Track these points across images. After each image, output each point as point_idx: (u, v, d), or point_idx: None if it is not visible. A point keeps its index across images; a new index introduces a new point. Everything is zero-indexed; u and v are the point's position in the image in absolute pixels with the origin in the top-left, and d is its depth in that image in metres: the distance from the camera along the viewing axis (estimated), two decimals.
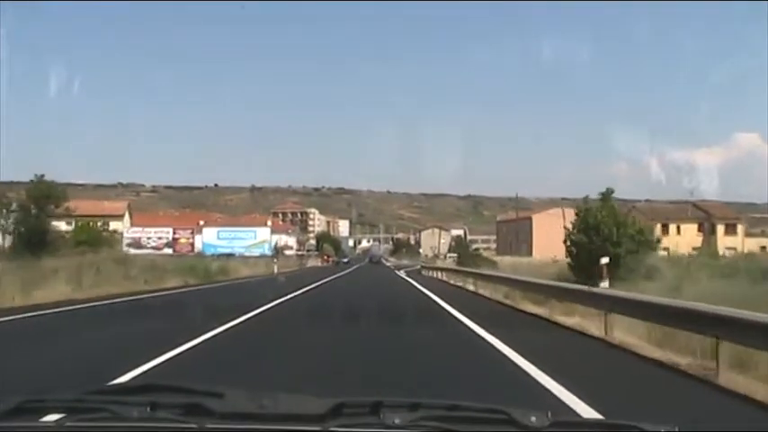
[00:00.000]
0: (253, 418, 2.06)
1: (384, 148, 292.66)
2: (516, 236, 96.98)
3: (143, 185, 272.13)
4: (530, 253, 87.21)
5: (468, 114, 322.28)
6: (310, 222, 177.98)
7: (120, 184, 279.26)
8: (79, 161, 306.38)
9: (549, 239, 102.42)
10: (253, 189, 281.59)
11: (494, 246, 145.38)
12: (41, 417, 2.19)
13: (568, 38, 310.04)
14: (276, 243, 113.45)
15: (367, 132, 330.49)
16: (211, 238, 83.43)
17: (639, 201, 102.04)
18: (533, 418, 2.06)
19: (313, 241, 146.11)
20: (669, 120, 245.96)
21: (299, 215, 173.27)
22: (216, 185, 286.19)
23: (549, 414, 2.09)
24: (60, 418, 2.10)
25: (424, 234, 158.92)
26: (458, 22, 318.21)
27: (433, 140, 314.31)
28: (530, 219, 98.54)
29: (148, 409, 2.09)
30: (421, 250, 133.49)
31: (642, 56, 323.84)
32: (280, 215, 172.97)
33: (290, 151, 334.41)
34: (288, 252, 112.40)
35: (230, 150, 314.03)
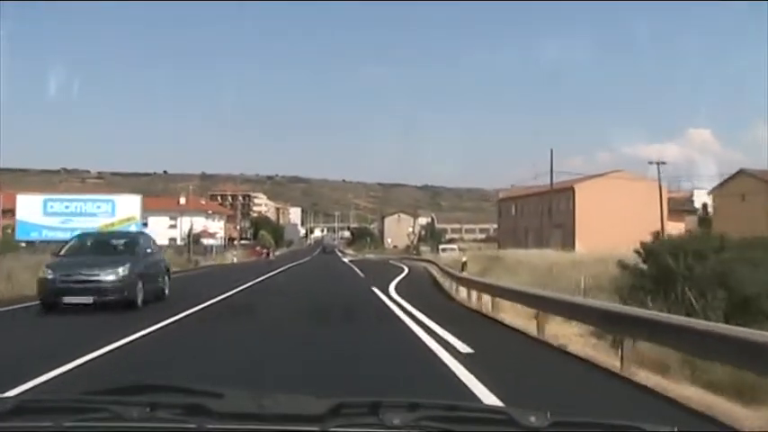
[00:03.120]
0: (252, 419, 1.89)
1: (340, 137, 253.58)
2: (546, 217, 47.08)
3: (88, 171, 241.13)
4: (570, 244, 51.57)
5: (426, 105, 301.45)
6: (255, 208, 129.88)
7: (64, 169, 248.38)
8: (24, 147, 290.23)
9: (608, 223, 49.03)
10: (203, 176, 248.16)
11: (468, 236, 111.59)
12: (40, 417, 1.95)
13: (540, 33, 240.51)
14: (191, 228, 76.08)
15: (323, 121, 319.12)
16: (32, 214, 33.97)
17: None
18: (532, 418, 1.88)
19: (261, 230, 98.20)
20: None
21: (240, 198, 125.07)
22: (165, 172, 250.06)
23: (549, 414, 1.90)
24: (59, 419, 1.90)
25: (388, 221, 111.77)
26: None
27: (391, 130, 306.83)
28: (571, 189, 48.61)
29: (148, 409, 1.92)
30: (389, 240, 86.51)
31: (636, 55, 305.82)
32: (219, 198, 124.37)
33: (244, 139, 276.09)
34: (209, 241, 79.28)
35: (181, 137, 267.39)
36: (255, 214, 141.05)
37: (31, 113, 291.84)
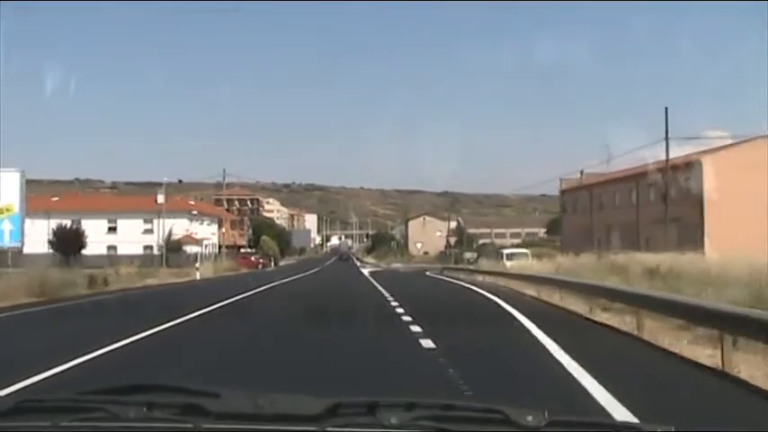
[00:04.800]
0: (249, 419, 1.83)
1: (357, 144, 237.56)
2: (649, 209, 21.13)
3: (102, 181, 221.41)
4: (693, 245, 30.80)
5: (444, 111, 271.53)
6: (267, 214, 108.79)
7: (77, 179, 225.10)
8: (38, 157, 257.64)
9: (751, 213, 14.84)
10: (218, 185, 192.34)
11: (499, 240, 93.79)
12: (38, 417, 1.89)
13: (543, 35, 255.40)
14: (170, 232, 59.31)
15: (339, 129, 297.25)
16: None
17: None
18: (530, 418, 1.82)
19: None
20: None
21: (248, 203, 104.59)
22: (180, 181, 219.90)
23: (546, 413, 1.82)
24: (57, 419, 1.84)
25: (412, 224, 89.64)
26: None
27: (408, 137, 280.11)
28: (696, 165, 22.27)
29: (145, 409, 1.87)
30: (419, 245, 65.25)
31: (636, 55, 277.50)
32: (225, 203, 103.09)
33: (260, 148, 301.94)
34: (192, 249, 58.82)
35: (196, 147, 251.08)
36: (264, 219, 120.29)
37: (44, 123, 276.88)
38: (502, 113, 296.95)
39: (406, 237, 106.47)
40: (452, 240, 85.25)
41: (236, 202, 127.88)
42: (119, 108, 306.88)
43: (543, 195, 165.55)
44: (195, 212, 67.66)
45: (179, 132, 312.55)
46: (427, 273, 46.46)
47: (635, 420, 1.84)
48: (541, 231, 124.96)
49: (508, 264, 37.90)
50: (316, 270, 54.51)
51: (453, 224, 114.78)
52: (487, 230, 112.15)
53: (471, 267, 42.77)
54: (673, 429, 1.85)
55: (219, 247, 75.08)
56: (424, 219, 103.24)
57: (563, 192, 61.54)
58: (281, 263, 79.86)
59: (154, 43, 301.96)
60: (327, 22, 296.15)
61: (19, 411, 1.89)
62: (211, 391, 1.95)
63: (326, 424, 1.75)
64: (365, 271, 53.21)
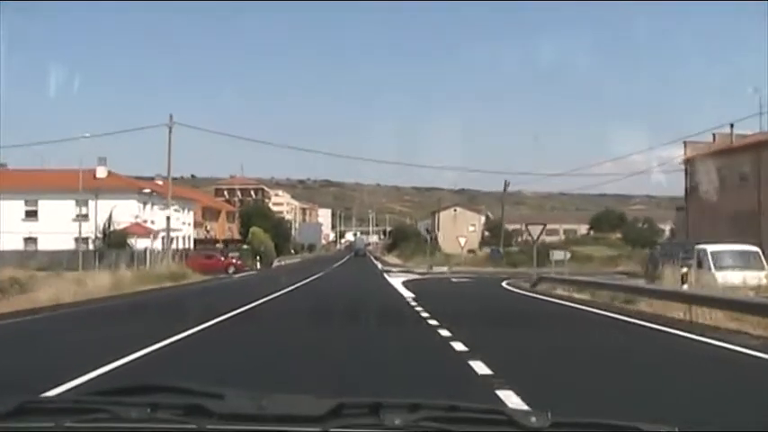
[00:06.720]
0: (252, 419, 1.81)
1: (373, 141, 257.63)
2: None
3: None
4: None
5: (462, 109, 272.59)
6: (275, 207, 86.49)
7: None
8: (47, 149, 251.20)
9: None
10: (230, 180, 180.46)
11: (535, 236, 58.41)
12: (41, 418, 1.87)
13: (564, 34, 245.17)
14: (110, 218, 42.66)
15: (356, 125, 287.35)
16: None
17: None
18: (533, 419, 1.79)
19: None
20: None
21: (252, 193, 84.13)
22: (193, 176, 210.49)
23: (550, 414, 1.78)
24: (60, 419, 1.82)
25: (443, 216, 62.67)
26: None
27: (426, 134, 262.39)
28: None
29: (148, 409, 1.85)
30: (462, 240, 41.60)
31: (640, 54, 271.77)
32: (225, 193, 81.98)
33: (275, 143, 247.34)
34: (143, 243, 41.82)
35: (209, 141, 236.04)
36: (281, 216, 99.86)
37: (53, 118, 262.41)
38: (513, 111, 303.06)
39: (428, 231, 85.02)
40: (534, 232, 64.88)
41: (239, 193, 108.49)
42: (130, 105, 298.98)
43: (562, 194, 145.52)
44: (148, 190, 47.11)
45: (192, 128, 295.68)
46: (504, 284, 27.28)
47: (637, 421, 1.52)
48: (582, 227, 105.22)
49: (720, 276, 18.22)
50: (315, 277, 34.97)
51: (483, 218, 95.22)
52: (519, 227, 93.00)
53: (648, 284, 20.13)
54: (676, 430, 1.80)
55: (196, 240, 55.30)
56: (455, 210, 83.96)
57: (688, 161, 37.99)
58: (277, 263, 62.21)
59: (160, 43, 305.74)
60: (335, 20, 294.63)
61: (22, 412, 1.84)
62: (215, 391, 1.89)
63: (330, 425, 1.70)
64: (395, 282, 32.64)
